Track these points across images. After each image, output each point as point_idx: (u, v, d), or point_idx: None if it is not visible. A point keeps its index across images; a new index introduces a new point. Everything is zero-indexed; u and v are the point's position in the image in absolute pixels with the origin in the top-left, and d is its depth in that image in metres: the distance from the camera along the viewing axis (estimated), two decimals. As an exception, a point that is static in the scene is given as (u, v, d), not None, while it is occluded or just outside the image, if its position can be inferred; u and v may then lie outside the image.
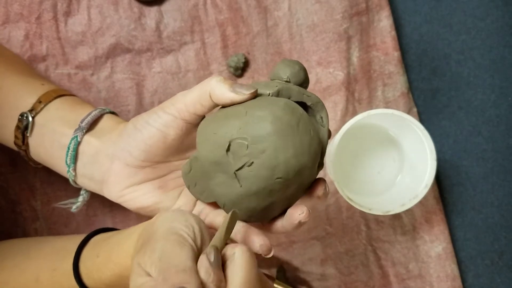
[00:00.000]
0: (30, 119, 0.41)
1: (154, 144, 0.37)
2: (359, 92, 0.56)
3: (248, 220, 0.35)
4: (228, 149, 0.32)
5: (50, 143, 0.41)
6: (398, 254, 0.55)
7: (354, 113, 0.56)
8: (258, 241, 0.34)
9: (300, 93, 0.34)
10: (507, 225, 0.57)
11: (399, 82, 0.56)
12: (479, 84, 0.58)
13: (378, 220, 0.56)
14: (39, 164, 0.44)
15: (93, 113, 0.41)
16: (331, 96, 0.56)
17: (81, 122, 0.41)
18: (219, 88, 0.34)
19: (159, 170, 0.39)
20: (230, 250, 0.29)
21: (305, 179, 0.33)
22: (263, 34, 0.55)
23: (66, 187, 0.53)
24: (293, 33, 0.56)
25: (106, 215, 0.54)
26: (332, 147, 0.48)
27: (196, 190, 0.36)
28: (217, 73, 0.55)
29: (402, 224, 0.56)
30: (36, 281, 0.40)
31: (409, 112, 0.56)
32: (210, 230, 0.36)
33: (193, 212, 0.39)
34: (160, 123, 0.37)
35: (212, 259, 0.27)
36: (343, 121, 0.54)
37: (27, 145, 0.42)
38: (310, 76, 0.49)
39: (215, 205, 0.37)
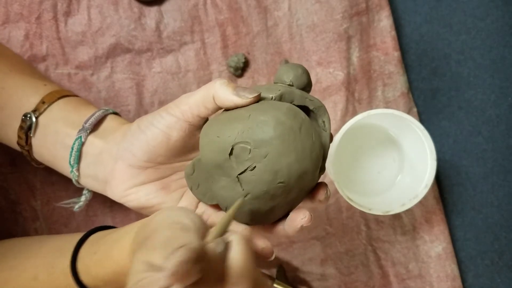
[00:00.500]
0: (34, 119, 0.41)
1: (158, 145, 0.38)
2: (359, 92, 0.56)
3: (250, 223, 0.35)
4: (231, 153, 0.32)
5: (53, 143, 0.42)
6: (398, 254, 0.55)
7: (354, 113, 0.56)
8: (260, 244, 0.35)
9: (303, 97, 0.35)
10: (507, 225, 0.57)
11: (399, 82, 0.56)
12: (479, 84, 0.58)
13: (378, 220, 0.56)
14: (42, 164, 0.45)
15: (97, 113, 0.42)
16: (331, 96, 0.56)
17: (85, 122, 0.41)
18: (223, 91, 0.34)
19: (162, 171, 0.40)
20: (226, 238, 0.29)
21: (307, 183, 0.33)
22: (263, 34, 0.56)
23: (66, 187, 0.53)
24: (293, 33, 0.56)
25: (106, 215, 0.54)
26: (332, 147, 0.48)
27: (199, 192, 0.36)
28: (217, 73, 0.55)
29: (402, 224, 0.56)
30: (34, 280, 0.40)
31: (409, 112, 0.56)
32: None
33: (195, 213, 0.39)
34: (163, 125, 0.37)
35: (219, 250, 0.27)
36: (343, 121, 0.54)
37: (30, 145, 0.43)
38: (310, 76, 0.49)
39: (217, 207, 0.38)
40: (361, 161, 0.54)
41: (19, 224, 0.53)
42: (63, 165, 0.42)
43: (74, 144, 0.40)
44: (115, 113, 0.44)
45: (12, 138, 0.43)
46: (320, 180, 0.35)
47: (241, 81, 0.56)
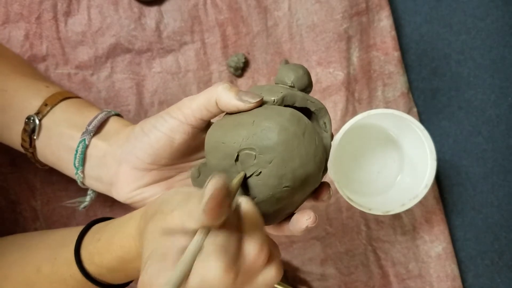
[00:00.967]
0: (37, 122, 0.42)
1: (161, 148, 0.38)
2: (359, 92, 0.56)
3: None
4: (236, 159, 0.33)
5: (57, 145, 0.42)
6: (398, 254, 0.55)
7: (354, 113, 0.56)
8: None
9: (304, 99, 0.35)
10: (507, 225, 0.57)
11: (399, 82, 0.56)
12: (479, 84, 0.58)
13: (378, 220, 0.56)
14: (46, 165, 0.45)
15: (100, 116, 0.42)
16: (331, 96, 0.56)
17: (88, 125, 0.41)
18: (226, 96, 0.34)
19: (166, 172, 0.40)
20: (235, 200, 0.30)
21: (311, 186, 0.34)
22: (263, 34, 0.56)
23: (67, 187, 0.53)
24: (293, 33, 0.56)
25: (106, 215, 0.54)
26: (332, 147, 0.48)
27: None
28: (217, 73, 0.55)
29: (402, 224, 0.56)
30: (37, 272, 0.40)
31: (409, 112, 0.56)
32: None
33: None
34: (166, 128, 0.37)
35: (233, 207, 0.29)
36: (343, 121, 0.54)
37: (34, 147, 0.43)
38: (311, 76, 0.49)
39: None
40: (361, 161, 0.54)
41: (19, 224, 0.53)
42: (68, 167, 0.42)
43: (78, 146, 0.41)
44: (118, 115, 0.44)
45: (15, 140, 0.43)
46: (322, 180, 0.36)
47: (241, 81, 0.56)
